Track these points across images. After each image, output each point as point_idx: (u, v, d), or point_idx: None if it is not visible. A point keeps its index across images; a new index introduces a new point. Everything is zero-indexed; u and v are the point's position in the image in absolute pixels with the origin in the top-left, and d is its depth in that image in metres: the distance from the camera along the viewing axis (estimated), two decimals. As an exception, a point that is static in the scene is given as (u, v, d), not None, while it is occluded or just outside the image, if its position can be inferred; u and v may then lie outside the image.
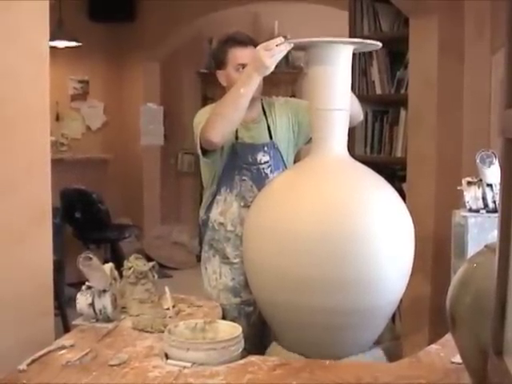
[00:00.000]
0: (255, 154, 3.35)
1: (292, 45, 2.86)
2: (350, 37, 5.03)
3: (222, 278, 3.39)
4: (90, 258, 2.61)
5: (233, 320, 2.88)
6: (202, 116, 3.26)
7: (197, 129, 3.21)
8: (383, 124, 5.14)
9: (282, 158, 3.41)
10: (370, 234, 2.64)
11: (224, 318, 3.07)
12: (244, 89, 3.00)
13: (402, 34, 4.71)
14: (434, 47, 4.36)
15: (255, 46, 3.21)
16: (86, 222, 6.90)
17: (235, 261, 3.34)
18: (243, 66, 3.22)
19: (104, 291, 2.70)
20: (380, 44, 2.88)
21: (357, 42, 2.89)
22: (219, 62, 3.40)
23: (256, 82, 2.99)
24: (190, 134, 3.54)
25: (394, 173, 4.86)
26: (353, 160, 2.93)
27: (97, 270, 2.67)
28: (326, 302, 2.61)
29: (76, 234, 7.03)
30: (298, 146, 3.53)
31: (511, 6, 1.29)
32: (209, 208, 3.42)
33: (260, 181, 3.29)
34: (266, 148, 3.37)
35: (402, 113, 4.89)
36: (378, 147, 5.17)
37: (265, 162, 3.35)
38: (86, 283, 2.75)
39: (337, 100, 2.81)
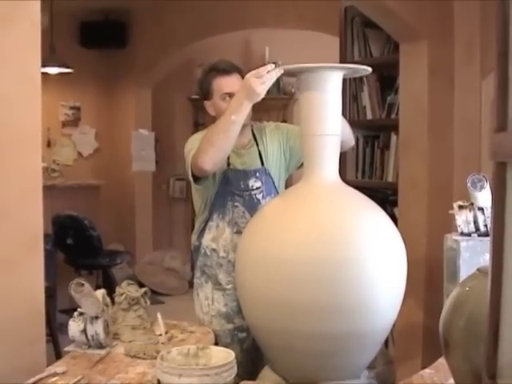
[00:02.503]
0: (247, 180, 3.35)
1: (282, 71, 2.87)
2: (341, 62, 5.06)
3: (214, 304, 3.38)
4: (82, 285, 2.61)
5: (226, 346, 2.87)
6: (192, 143, 3.26)
7: (188, 156, 3.20)
8: (374, 149, 5.16)
9: (273, 183, 3.41)
10: (363, 260, 2.64)
11: (217, 343, 3.06)
12: (235, 116, 2.98)
13: (393, 58, 4.74)
14: (424, 72, 4.39)
15: (240, 72, 3.23)
16: (78, 248, 6.88)
17: (228, 287, 3.33)
18: (229, 94, 3.23)
19: (96, 317, 2.69)
20: (370, 69, 2.89)
21: (347, 68, 2.91)
22: (205, 92, 3.40)
23: (247, 109, 2.98)
24: (181, 160, 3.53)
25: (385, 197, 4.87)
26: (344, 185, 2.92)
27: (89, 296, 2.66)
28: (319, 328, 2.60)
29: (68, 261, 7.00)
30: (290, 170, 3.53)
31: (500, 30, 1.30)
32: (201, 234, 3.41)
33: (252, 207, 3.29)
34: (257, 174, 3.37)
35: (393, 137, 4.91)
36: (370, 172, 5.19)
37: (257, 188, 3.35)
38: (78, 309, 2.74)
39: (328, 125, 2.81)
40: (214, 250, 3.36)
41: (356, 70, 2.94)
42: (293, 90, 8.50)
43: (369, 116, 5.16)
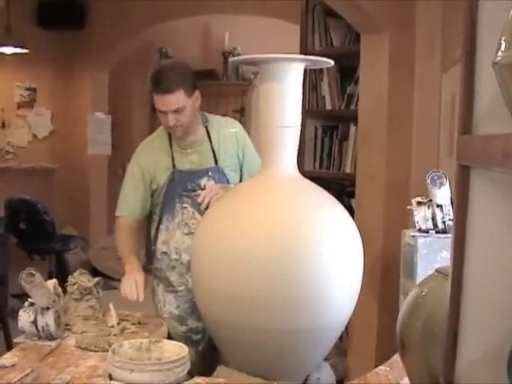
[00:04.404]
0: (197, 179, 3.30)
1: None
2: (301, 51, 5.02)
3: (165, 307, 3.37)
4: (33, 275, 2.55)
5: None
6: (135, 160, 3.43)
7: (120, 193, 3.62)
8: (333, 139, 5.14)
9: (228, 182, 3.34)
10: (319, 254, 2.62)
11: (170, 337, 3.02)
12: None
13: (353, 49, 4.71)
14: (385, 63, 4.37)
15: (184, 85, 3.15)
16: (31, 232, 6.78)
17: (180, 288, 3.32)
18: (164, 111, 3.23)
19: (47, 308, 2.64)
20: (332, 62, 2.86)
21: (308, 60, 2.87)
22: None
23: None
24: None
25: (342, 189, 4.86)
26: (302, 178, 2.89)
27: (40, 286, 2.61)
28: (275, 323, 2.57)
29: (20, 245, 6.90)
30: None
31: (467, 30, 1.27)
32: (155, 239, 3.38)
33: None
34: (210, 173, 3.31)
35: (352, 128, 4.89)
36: (328, 162, 5.16)
37: None
38: (29, 300, 2.68)
39: (287, 117, 2.77)
40: (164, 252, 3.34)
41: (317, 62, 2.91)
42: (251, 77, 8.45)
43: (328, 106, 5.13)
